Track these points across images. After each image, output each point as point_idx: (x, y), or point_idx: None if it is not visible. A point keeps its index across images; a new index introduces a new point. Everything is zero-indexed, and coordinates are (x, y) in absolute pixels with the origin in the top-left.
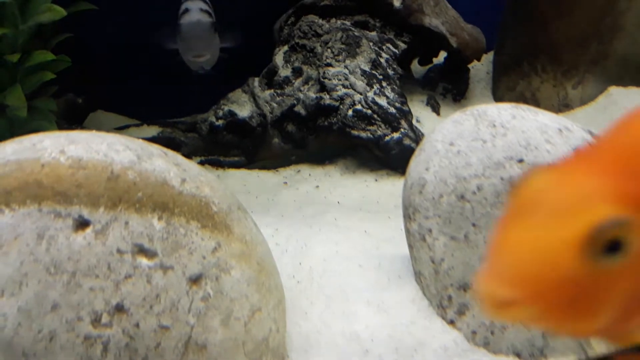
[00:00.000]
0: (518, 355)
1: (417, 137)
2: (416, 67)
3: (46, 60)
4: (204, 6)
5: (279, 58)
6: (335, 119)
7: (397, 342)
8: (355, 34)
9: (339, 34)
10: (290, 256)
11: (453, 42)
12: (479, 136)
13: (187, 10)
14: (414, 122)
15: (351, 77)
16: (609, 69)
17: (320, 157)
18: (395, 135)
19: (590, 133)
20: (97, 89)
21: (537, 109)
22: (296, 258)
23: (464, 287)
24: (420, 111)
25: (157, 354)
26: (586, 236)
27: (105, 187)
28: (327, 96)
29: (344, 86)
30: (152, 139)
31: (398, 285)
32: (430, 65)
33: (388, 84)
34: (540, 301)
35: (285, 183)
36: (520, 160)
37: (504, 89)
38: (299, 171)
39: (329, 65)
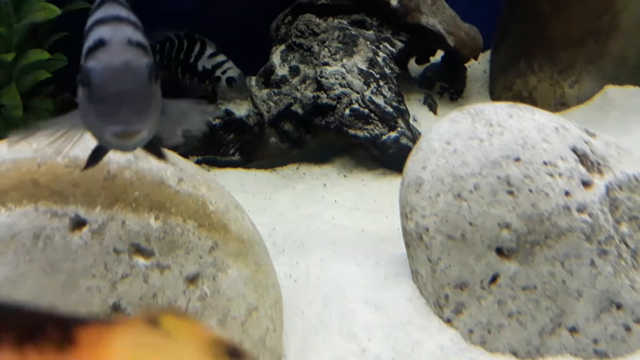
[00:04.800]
0: (515, 354)
1: (414, 136)
2: (413, 66)
3: (42, 59)
4: (133, 32)
5: (276, 57)
6: (332, 118)
7: (394, 341)
8: (352, 32)
9: (336, 33)
10: (288, 255)
11: (450, 41)
12: (475, 135)
13: (102, 43)
14: (411, 121)
15: (348, 76)
16: (605, 68)
17: (318, 156)
18: (393, 134)
19: (587, 132)
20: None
21: (533, 108)
22: (293, 257)
23: (461, 286)
24: (417, 110)
25: None
26: None
27: (102, 187)
28: (324, 95)
29: (341, 85)
30: None
31: (395, 284)
32: (427, 64)
33: (385, 83)
34: None
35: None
36: (517, 159)
37: (501, 88)
38: (296, 170)
39: (326, 64)
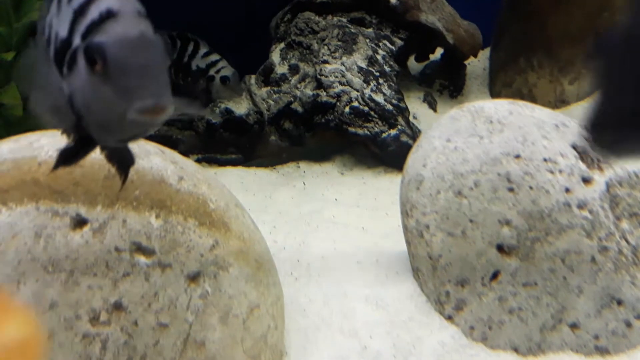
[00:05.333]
0: (516, 350)
1: (414, 133)
2: (413, 64)
3: None
4: (138, 4)
5: (275, 55)
6: (332, 116)
7: (395, 338)
8: (352, 30)
9: (336, 31)
10: (288, 253)
11: (449, 38)
12: (475, 132)
13: (111, 15)
14: (410, 118)
15: (348, 74)
16: None
17: (318, 154)
18: (392, 132)
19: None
20: None
21: (533, 105)
22: (294, 255)
23: (462, 283)
24: (417, 108)
25: (156, 352)
26: None
27: (103, 185)
28: (324, 93)
29: (340, 83)
30: (149, 137)
31: (396, 282)
32: (426, 62)
33: (385, 81)
34: None
35: (295, 185)
36: (517, 156)
37: (500, 85)
38: (296, 168)
39: (326, 62)
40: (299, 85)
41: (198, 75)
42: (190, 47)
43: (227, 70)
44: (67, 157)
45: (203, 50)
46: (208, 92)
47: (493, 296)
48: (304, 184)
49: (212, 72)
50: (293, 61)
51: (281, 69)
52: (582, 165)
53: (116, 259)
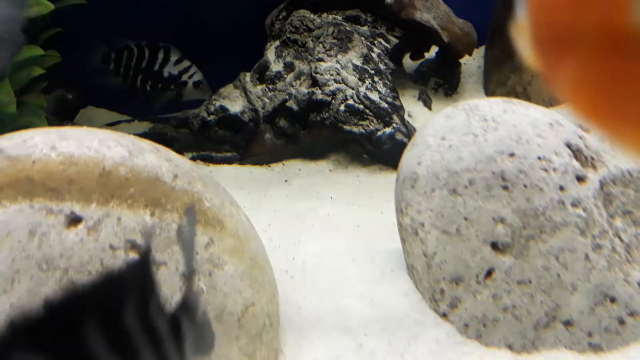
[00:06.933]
0: (510, 347)
1: (409, 131)
2: (408, 62)
3: (35, 55)
4: None
5: (270, 53)
6: (327, 114)
7: (390, 335)
8: (347, 28)
9: (331, 29)
10: (283, 251)
11: (444, 36)
12: (470, 130)
13: None
14: (405, 116)
15: (343, 71)
16: None
17: (313, 152)
18: (388, 130)
19: (581, 127)
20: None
21: (528, 103)
22: (289, 253)
23: (456, 281)
24: (412, 106)
25: None
26: None
27: (97, 183)
28: (319, 91)
29: (335, 81)
30: (144, 135)
31: (391, 279)
32: (421, 60)
33: (380, 79)
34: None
35: (286, 181)
36: (512, 154)
37: (495, 83)
38: (291, 166)
39: (321, 60)
40: (294, 83)
41: (170, 82)
42: (161, 55)
43: (198, 75)
44: None
45: (174, 57)
46: (179, 96)
47: (487, 294)
48: (310, 182)
49: (185, 77)
50: (288, 59)
51: (276, 66)
52: (576, 164)
53: (111, 257)
